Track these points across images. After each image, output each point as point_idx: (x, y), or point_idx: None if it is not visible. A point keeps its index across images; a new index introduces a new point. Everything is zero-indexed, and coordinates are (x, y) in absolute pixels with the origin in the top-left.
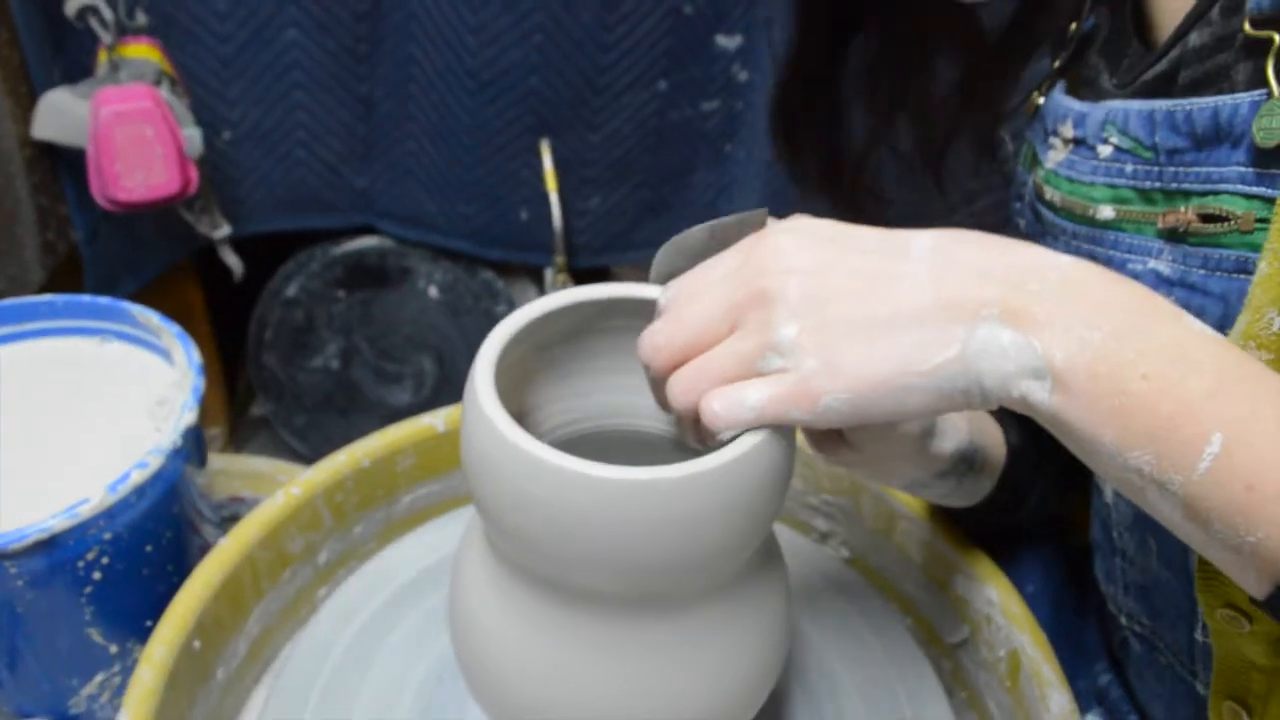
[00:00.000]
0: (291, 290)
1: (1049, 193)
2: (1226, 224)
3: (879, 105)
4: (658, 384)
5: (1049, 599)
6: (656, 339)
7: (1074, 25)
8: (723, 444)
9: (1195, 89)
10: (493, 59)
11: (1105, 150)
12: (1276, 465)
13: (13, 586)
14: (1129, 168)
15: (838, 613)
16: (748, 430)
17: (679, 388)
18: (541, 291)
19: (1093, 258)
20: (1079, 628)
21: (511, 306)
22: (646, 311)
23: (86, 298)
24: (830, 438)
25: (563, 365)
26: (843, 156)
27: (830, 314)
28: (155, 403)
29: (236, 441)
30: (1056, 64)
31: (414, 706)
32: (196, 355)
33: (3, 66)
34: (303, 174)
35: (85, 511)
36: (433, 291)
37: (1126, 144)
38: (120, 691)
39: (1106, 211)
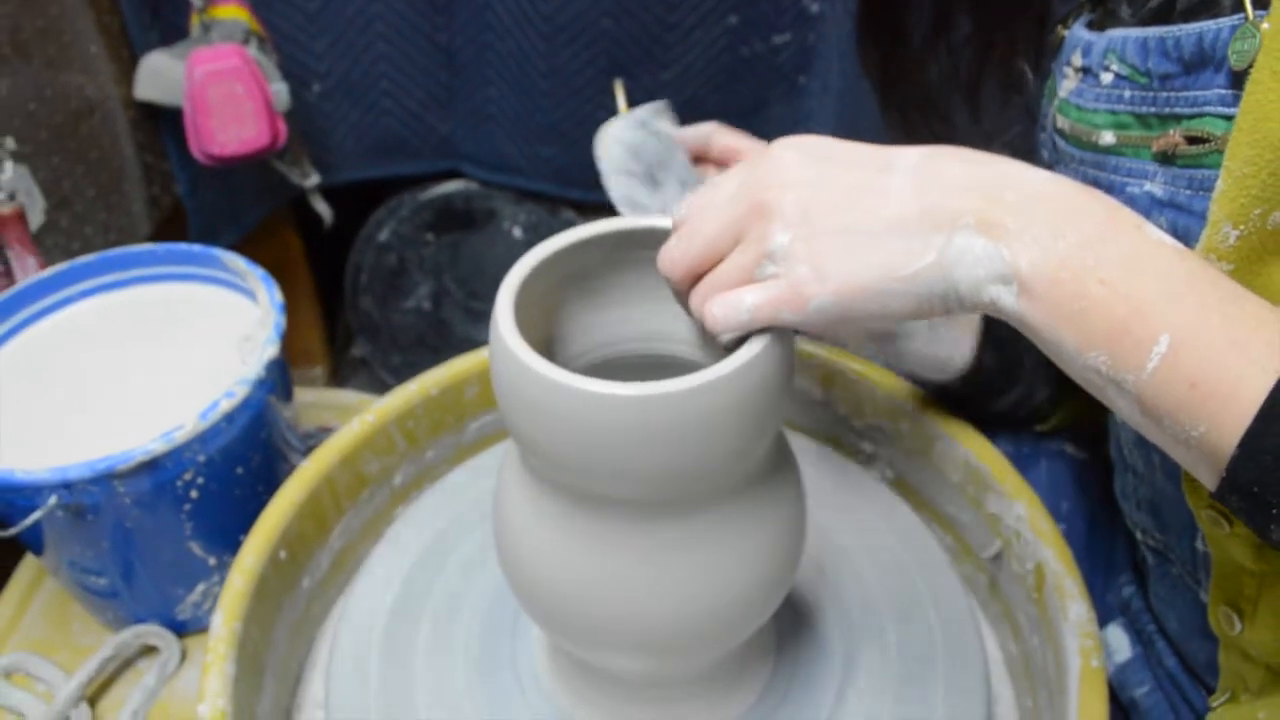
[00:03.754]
0: (384, 235)
1: (1060, 121)
2: (1208, 145)
3: (933, 27)
4: (679, 295)
5: (1083, 516)
6: (672, 254)
7: None
8: (735, 345)
9: (1190, 15)
10: (565, 2)
11: (1107, 77)
12: (1217, 364)
13: (123, 504)
14: (1127, 94)
15: (877, 531)
16: (747, 332)
17: (695, 299)
18: None
19: (1096, 182)
20: (1110, 544)
21: None
22: None
23: (181, 246)
24: None
25: (594, 294)
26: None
27: (821, 225)
28: (242, 339)
29: (338, 381)
30: None
31: (475, 612)
32: (278, 295)
33: (104, 33)
34: (388, 122)
35: (181, 436)
36: (517, 232)
37: (1125, 71)
38: None
39: (1108, 137)
